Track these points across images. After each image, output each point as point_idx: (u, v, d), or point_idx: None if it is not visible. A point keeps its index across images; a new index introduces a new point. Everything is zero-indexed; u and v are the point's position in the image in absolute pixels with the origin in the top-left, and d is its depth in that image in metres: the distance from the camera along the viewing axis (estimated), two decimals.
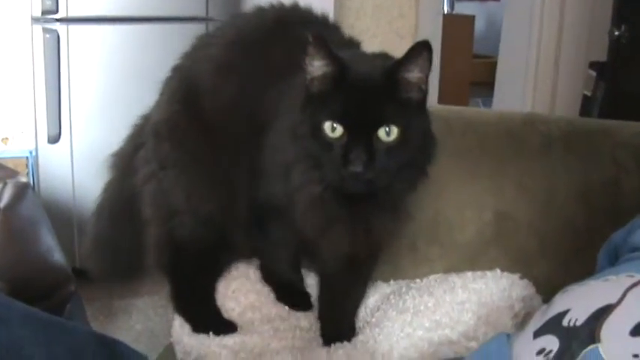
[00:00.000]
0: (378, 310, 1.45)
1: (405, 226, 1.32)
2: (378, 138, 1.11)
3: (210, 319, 1.42)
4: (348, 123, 1.11)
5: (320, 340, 1.39)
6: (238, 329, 1.40)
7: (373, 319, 1.42)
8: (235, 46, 1.36)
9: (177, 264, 1.43)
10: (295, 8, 1.39)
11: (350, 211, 1.22)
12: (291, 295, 1.48)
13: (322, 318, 1.44)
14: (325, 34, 1.18)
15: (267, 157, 1.28)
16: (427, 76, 1.14)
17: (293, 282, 1.50)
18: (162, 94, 1.43)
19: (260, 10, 1.40)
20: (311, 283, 1.52)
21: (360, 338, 1.37)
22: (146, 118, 1.50)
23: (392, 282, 1.55)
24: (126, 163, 1.50)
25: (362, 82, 1.14)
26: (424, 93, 1.16)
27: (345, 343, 1.35)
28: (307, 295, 1.49)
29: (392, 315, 1.40)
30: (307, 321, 1.44)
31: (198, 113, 1.36)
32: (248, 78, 1.32)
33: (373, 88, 1.13)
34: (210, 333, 1.37)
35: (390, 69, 1.13)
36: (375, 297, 1.50)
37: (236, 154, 1.34)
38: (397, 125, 1.11)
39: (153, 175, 1.42)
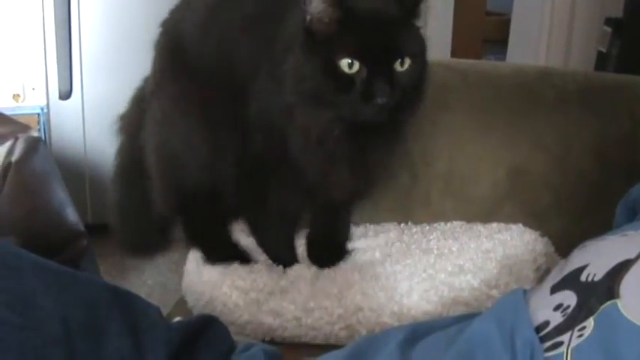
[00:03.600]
0: (398, 241, 1.46)
1: (399, 163, 1.34)
2: (394, 69, 1.12)
3: (224, 247, 1.42)
4: (367, 58, 1.11)
5: (329, 276, 1.37)
6: (249, 268, 1.38)
7: (393, 249, 1.43)
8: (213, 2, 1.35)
9: (187, 205, 1.43)
10: None
11: (351, 148, 1.21)
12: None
13: (311, 241, 1.46)
14: None
15: (256, 106, 1.26)
16: None
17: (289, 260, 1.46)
18: (154, 51, 1.42)
19: None
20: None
21: (378, 270, 1.36)
22: (147, 80, 1.48)
23: (410, 223, 1.54)
24: (133, 125, 1.49)
25: (374, 13, 1.13)
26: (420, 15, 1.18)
27: (360, 279, 1.34)
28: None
29: (415, 252, 1.41)
30: None
31: (185, 67, 1.34)
32: (225, 31, 1.30)
33: (388, 20, 1.13)
34: (222, 269, 1.37)
35: None
36: (390, 235, 1.49)
37: (223, 109, 1.32)
38: (410, 56, 1.13)
39: (154, 132, 1.41)
